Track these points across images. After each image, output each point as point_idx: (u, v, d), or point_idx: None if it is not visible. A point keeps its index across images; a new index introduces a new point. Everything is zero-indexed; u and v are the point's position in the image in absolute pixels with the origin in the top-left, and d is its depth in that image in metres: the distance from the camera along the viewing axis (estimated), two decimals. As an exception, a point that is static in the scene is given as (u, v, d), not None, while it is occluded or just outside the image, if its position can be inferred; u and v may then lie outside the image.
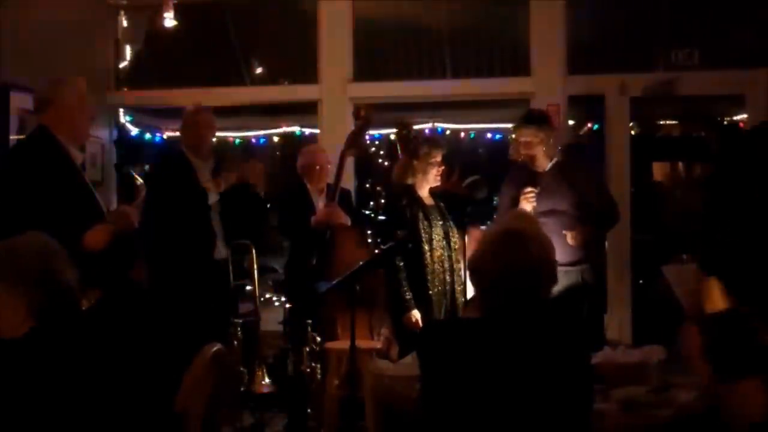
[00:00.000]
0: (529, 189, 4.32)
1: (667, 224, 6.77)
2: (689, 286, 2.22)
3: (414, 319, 4.26)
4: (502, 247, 2.20)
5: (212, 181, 4.43)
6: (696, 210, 6.80)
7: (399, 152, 4.62)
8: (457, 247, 4.46)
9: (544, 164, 4.43)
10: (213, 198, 4.38)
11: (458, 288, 4.42)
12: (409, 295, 4.29)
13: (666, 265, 2.30)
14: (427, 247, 4.35)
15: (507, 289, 2.15)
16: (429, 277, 4.34)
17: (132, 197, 3.94)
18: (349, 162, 5.39)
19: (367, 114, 4.76)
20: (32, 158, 3.50)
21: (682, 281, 2.26)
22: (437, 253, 4.38)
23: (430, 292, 4.33)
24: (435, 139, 4.98)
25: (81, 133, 3.72)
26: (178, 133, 5.48)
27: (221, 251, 4.45)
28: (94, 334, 2.50)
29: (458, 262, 4.44)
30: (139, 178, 3.98)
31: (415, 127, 5.94)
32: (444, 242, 4.42)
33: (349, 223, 4.75)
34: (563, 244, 4.24)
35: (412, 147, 4.51)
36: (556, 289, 3.22)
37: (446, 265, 4.40)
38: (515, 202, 4.36)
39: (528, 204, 4.30)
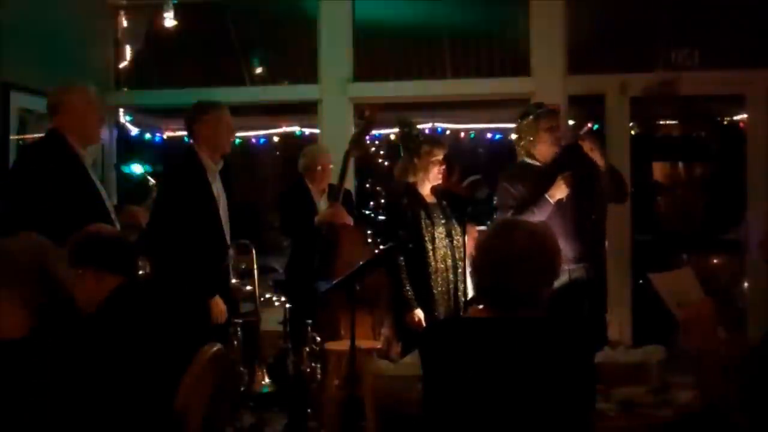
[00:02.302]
0: (568, 173, 4.28)
1: (667, 224, 6.77)
2: (681, 293, 2.17)
3: (417, 318, 4.27)
4: (490, 239, 2.21)
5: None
6: (696, 210, 6.82)
7: (401, 150, 4.63)
8: (459, 245, 4.46)
9: (549, 153, 4.42)
10: (223, 205, 4.24)
11: (461, 287, 4.42)
12: (411, 295, 4.30)
13: (653, 273, 2.25)
14: (429, 246, 4.35)
15: (498, 280, 2.14)
16: (432, 276, 4.34)
17: (144, 198, 3.98)
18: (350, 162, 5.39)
19: (371, 114, 4.77)
20: (44, 160, 3.61)
21: (673, 289, 2.21)
22: (440, 252, 4.38)
23: (434, 291, 4.33)
24: (437, 138, 4.97)
25: (91, 136, 3.83)
26: (178, 133, 5.43)
27: (229, 258, 4.35)
28: (94, 333, 2.50)
29: (461, 260, 4.44)
30: (151, 179, 4.01)
31: (417, 126, 5.95)
32: (447, 240, 4.42)
33: (352, 223, 4.75)
34: (566, 242, 4.24)
35: (414, 145, 4.52)
36: (558, 286, 3.23)
37: (449, 263, 4.40)
38: (536, 196, 4.33)
39: (564, 190, 4.29)
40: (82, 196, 3.60)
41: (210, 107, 4.26)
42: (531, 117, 4.41)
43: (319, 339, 4.26)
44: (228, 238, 4.26)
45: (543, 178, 4.33)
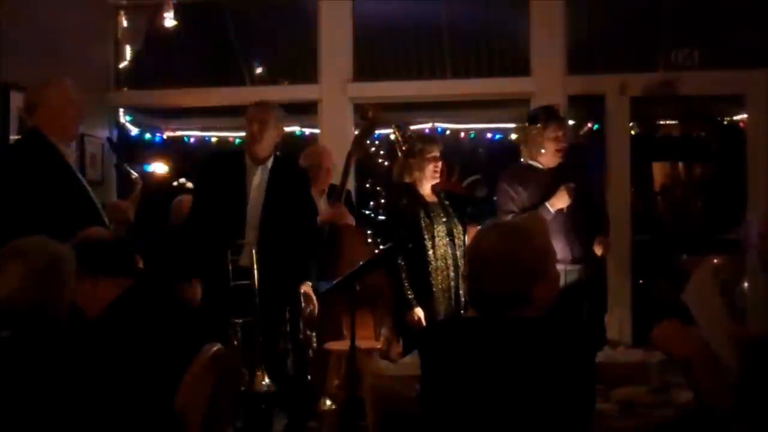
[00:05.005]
0: (572, 185, 4.30)
1: (667, 224, 6.77)
2: (705, 306, 2.15)
3: (417, 317, 4.27)
4: (470, 243, 2.20)
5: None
6: (696, 210, 6.82)
7: (398, 153, 4.67)
8: (461, 244, 4.47)
9: (552, 161, 4.43)
10: (254, 206, 4.21)
11: (462, 285, 4.43)
12: (411, 294, 4.30)
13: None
14: (429, 244, 4.36)
15: (475, 285, 2.13)
16: (432, 274, 4.35)
17: (129, 192, 3.95)
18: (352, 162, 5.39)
19: (374, 115, 4.77)
20: (24, 159, 3.57)
21: (699, 304, 2.18)
22: (440, 251, 4.39)
23: (434, 289, 4.34)
24: (429, 136, 4.99)
25: (70, 132, 3.76)
26: (178, 133, 5.42)
27: (245, 259, 4.23)
28: (93, 336, 2.50)
29: (462, 259, 4.45)
30: (134, 173, 3.98)
31: (414, 126, 5.96)
32: (447, 239, 4.43)
33: (354, 223, 4.76)
34: (565, 243, 4.25)
35: (408, 146, 4.55)
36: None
37: (449, 262, 4.41)
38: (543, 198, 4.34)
39: (566, 200, 4.29)
40: (69, 194, 3.55)
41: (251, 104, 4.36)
42: (539, 125, 4.40)
43: (318, 339, 4.26)
44: (249, 231, 4.19)
45: (545, 185, 4.34)
